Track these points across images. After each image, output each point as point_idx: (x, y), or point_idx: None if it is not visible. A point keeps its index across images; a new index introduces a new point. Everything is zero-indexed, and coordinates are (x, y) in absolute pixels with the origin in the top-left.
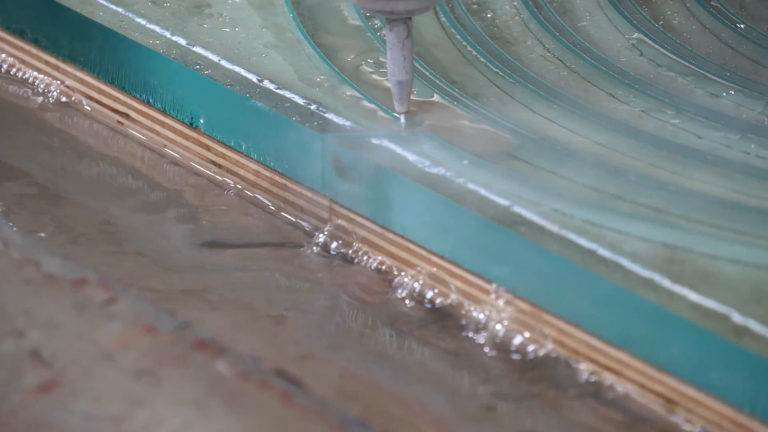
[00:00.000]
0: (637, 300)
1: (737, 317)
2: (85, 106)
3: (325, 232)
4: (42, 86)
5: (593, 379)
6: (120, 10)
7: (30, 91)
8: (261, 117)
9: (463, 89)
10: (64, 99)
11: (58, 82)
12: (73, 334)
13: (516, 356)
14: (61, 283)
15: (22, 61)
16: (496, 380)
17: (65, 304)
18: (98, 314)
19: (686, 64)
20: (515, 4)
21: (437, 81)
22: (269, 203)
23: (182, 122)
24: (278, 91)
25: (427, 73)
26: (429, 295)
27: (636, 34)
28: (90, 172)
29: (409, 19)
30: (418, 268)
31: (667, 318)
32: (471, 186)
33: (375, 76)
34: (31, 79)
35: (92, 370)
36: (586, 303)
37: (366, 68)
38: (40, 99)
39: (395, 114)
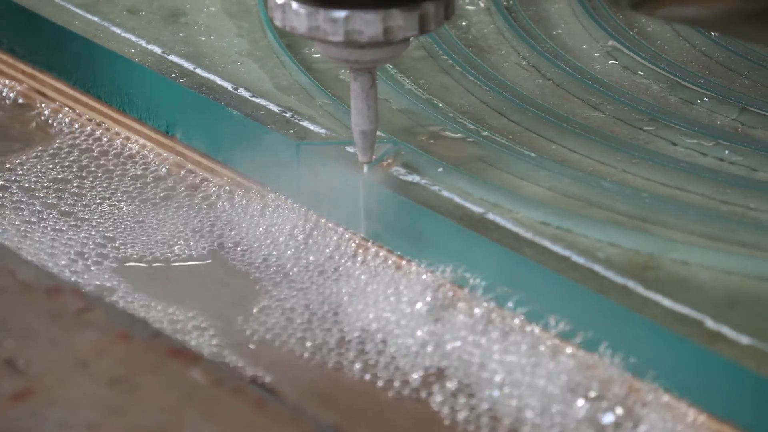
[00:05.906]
0: (612, 306)
1: (710, 323)
2: (61, 115)
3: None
4: (14, 94)
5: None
6: (96, 19)
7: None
8: (236, 125)
9: (439, 97)
10: (34, 106)
11: (34, 91)
12: (48, 342)
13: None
14: (36, 291)
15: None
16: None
17: (40, 312)
18: (73, 322)
19: (660, 71)
20: (490, 12)
21: (412, 89)
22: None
23: (158, 130)
24: (253, 99)
25: (402, 82)
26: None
27: (611, 42)
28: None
29: (374, 68)
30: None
31: (641, 324)
32: (446, 193)
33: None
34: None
35: (67, 378)
36: (559, 309)
37: (341, 77)
38: (12, 105)
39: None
